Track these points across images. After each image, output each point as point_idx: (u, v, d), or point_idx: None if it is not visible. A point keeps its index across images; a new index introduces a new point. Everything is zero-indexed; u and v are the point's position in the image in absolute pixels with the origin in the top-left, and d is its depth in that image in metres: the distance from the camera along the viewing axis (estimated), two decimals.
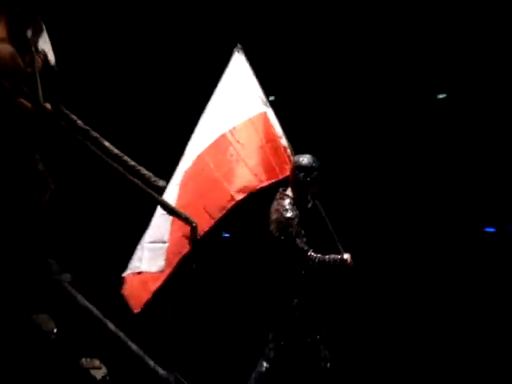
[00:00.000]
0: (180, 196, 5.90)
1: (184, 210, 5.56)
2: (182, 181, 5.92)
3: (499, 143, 8.32)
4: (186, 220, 5.42)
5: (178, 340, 6.07)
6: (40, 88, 5.09)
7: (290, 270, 5.92)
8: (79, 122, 5.30)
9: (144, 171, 5.42)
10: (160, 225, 5.86)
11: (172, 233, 5.83)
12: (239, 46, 6.04)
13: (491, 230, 8.18)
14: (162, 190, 5.50)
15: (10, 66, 5.07)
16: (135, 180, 5.24)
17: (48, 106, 5.20)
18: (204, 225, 5.78)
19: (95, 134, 5.33)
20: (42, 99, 5.04)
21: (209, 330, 7.93)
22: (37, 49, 5.20)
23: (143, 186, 5.27)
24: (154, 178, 5.43)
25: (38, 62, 5.22)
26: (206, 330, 7.90)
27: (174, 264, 5.81)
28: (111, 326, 5.42)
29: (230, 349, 7.79)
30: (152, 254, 5.91)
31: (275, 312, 5.98)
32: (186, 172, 5.91)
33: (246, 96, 6.05)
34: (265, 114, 6.03)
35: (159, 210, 5.83)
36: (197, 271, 5.69)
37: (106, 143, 5.29)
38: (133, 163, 5.39)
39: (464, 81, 8.47)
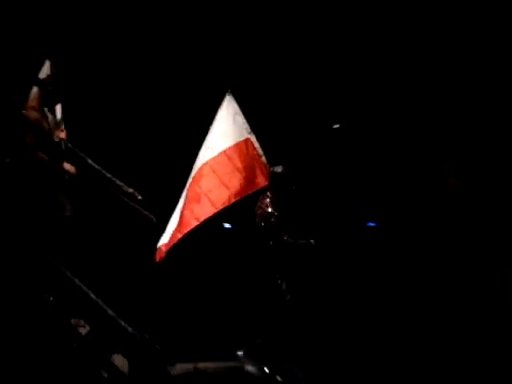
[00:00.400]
0: (188, 193, 7.63)
1: (191, 203, 7.48)
2: (189, 185, 7.66)
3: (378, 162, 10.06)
4: (148, 215, 7.25)
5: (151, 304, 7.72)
6: (63, 151, 6.93)
7: (271, 250, 7.53)
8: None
9: (118, 182, 7.11)
10: (175, 215, 7.66)
11: (179, 219, 7.61)
12: (229, 90, 7.82)
13: (372, 224, 10.00)
14: (131, 195, 7.21)
15: (35, 127, 6.80)
16: (112, 189, 7.00)
17: (68, 166, 7.03)
18: (207, 212, 7.55)
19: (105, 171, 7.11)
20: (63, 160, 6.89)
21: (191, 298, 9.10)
22: (62, 122, 7.06)
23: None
24: (125, 187, 7.14)
25: (64, 133, 7.09)
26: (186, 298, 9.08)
27: (175, 239, 7.52)
28: (93, 296, 6.99)
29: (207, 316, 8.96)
30: (166, 233, 7.65)
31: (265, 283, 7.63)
32: (193, 178, 7.65)
33: (236, 126, 7.80)
34: (249, 139, 7.80)
35: (177, 207, 7.67)
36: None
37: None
38: (109, 175, 7.09)
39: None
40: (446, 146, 9.70)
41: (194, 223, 7.55)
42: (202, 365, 7.54)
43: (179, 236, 7.53)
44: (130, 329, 7.01)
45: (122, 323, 6.99)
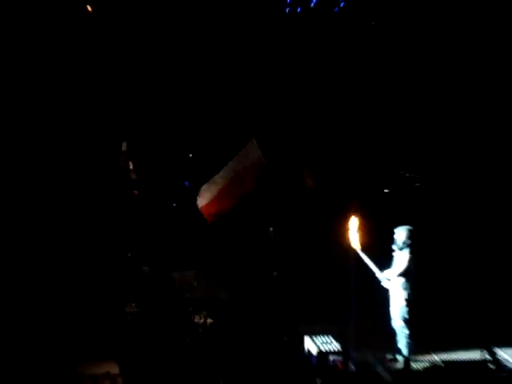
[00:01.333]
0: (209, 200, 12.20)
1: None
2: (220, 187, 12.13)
3: None
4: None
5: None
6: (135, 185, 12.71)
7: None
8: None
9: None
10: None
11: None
12: (254, 139, 11.88)
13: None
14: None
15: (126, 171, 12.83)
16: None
17: (136, 192, 12.52)
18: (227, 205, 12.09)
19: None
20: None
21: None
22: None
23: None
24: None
25: (135, 175, 12.94)
26: None
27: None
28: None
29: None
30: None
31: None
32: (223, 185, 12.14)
33: (253, 151, 11.88)
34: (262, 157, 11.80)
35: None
36: None
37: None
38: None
39: None
40: (306, 160, 14.85)
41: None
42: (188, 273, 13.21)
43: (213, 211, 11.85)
44: (148, 251, 12.25)
45: (145, 248, 12.32)
